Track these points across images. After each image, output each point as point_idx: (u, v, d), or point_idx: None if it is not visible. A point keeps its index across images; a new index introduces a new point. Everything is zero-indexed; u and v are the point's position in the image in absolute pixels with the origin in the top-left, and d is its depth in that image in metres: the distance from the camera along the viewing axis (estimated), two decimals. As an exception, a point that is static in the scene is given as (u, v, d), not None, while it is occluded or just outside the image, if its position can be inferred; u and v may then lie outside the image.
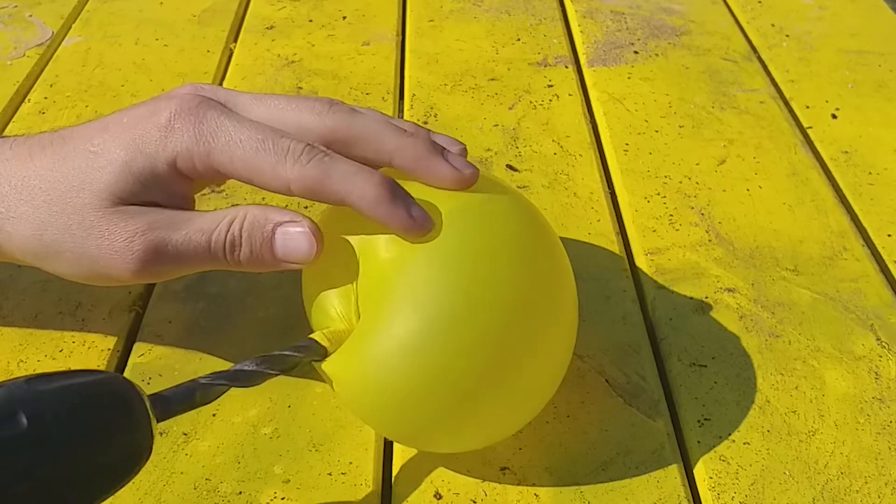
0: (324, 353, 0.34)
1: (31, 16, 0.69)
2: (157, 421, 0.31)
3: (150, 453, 0.31)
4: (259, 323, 0.44)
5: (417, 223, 0.33)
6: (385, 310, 0.32)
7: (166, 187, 0.35)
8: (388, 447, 0.39)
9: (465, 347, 0.31)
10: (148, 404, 0.30)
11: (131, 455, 0.30)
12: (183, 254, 0.35)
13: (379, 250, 0.34)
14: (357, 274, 0.34)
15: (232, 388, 0.33)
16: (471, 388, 0.32)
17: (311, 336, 0.35)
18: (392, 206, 0.33)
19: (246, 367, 0.33)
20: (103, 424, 0.29)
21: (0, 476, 0.27)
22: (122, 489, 0.29)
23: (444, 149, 0.35)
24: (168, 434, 0.38)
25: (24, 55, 0.64)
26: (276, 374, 0.33)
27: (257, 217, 0.35)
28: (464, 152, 0.36)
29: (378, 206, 0.33)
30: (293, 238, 0.35)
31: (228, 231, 0.35)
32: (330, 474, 0.37)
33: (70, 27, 0.68)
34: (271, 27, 0.69)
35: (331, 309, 0.35)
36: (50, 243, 0.35)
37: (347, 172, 0.34)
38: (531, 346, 0.32)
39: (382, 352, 0.32)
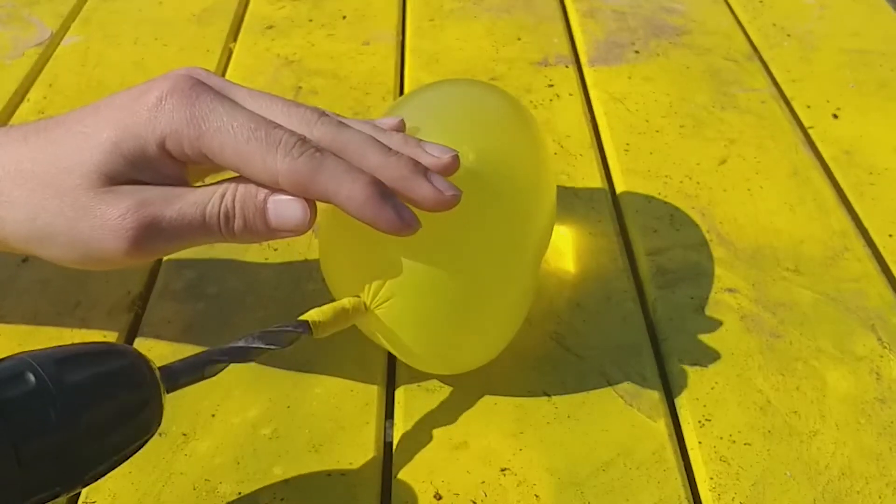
0: (309, 331, 0.35)
1: (30, 15, 0.69)
2: (167, 391, 0.31)
3: (160, 423, 0.31)
4: (259, 323, 0.43)
5: (405, 223, 0.34)
6: (412, 280, 0.36)
7: (157, 168, 0.35)
8: (387, 447, 0.39)
9: (466, 294, 0.37)
10: (158, 375, 0.31)
11: (141, 423, 0.31)
12: (177, 228, 0.35)
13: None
14: (371, 248, 0.36)
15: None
16: (478, 314, 0.38)
17: (304, 316, 0.36)
18: (380, 207, 0.33)
19: (245, 343, 0.34)
20: (114, 391, 0.30)
21: (10, 436, 0.27)
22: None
23: (427, 169, 0.35)
24: (167, 435, 0.38)
25: (23, 55, 0.64)
26: (275, 349, 0.34)
27: (249, 188, 0.35)
28: (456, 159, 0.36)
29: (365, 207, 0.33)
30: (285, 206, 0.35)
31: (221, 203, 0.35)
32: (330, 475, 0.37)
33: (69, 26, 0.68)
34: (271, 27, 0.68)
35: (350, 283, 0.37)
36: (43, 227, 0.35)
37: (337, 171, 0.34)
38: (506, 291, 0.39)
39: (424, 305, 0.37)
